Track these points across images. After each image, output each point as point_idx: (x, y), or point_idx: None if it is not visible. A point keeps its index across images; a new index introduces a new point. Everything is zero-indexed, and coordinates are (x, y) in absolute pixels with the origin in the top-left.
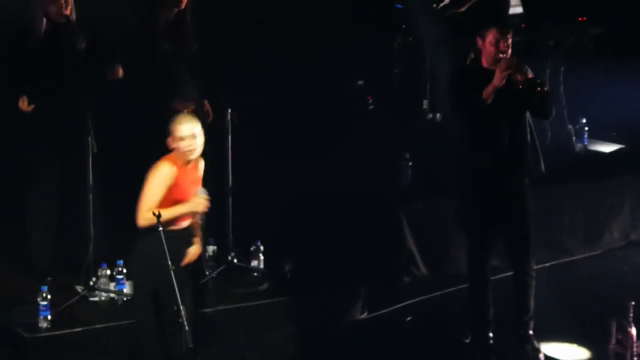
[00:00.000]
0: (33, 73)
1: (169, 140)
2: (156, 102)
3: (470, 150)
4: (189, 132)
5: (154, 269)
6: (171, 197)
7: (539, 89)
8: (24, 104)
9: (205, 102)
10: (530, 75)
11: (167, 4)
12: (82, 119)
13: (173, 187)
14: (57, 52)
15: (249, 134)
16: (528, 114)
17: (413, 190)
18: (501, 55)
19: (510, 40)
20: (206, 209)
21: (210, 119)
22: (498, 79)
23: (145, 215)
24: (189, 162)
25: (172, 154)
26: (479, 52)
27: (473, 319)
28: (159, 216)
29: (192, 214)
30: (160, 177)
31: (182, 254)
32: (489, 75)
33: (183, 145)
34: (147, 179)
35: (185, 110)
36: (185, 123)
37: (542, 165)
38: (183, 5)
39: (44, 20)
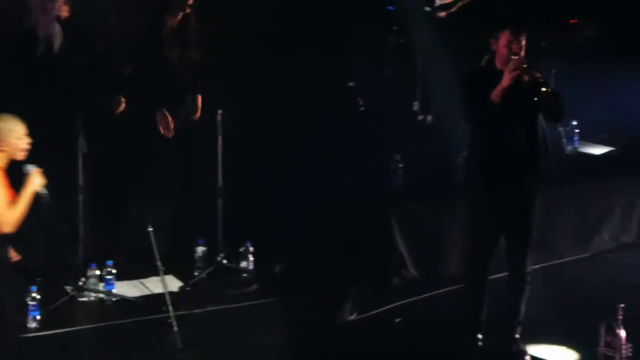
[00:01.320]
0: (25, 75)
1: (1, 143)
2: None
3: (479, 152)
4: (25, 130)
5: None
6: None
7: (544, 88)
8: None
9: (198, 96)
10: (540, 76)
11: (172, 8)
12: (72, 119)
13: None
14: (48, 53)
15: (240, 134)
16: (541, 117)
17: (404, 192)
18: (514, 57)
19: (523, 42)
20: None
21: (197, 115)
22: (506, 80)
23: (13, 220)
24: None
25: None
26: (493, 54)
27: (465, 320)
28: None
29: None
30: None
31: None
32: (501, 76)
33: (22, 143)
34: None
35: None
36: (18, 122)
37: (554, 168)
38: (188, 10)
39: (39, 23)
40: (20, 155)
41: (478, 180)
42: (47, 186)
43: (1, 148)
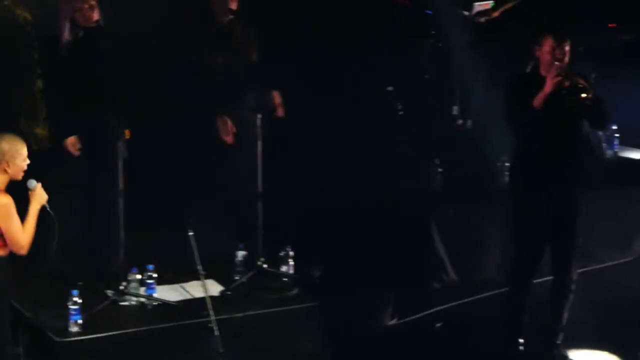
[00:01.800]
0: (65, 81)
1: (3, 165)
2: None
3: (522, 158)
4: (24, 145)
5: None
6: None
7: (584, 94)
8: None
9: (275, 93)
10: (582, 82)
11: (216, 14)
12: (113, 124)
13: None
14: (87, 58)
15: (279, 139)
16: (585, 123)
17: (443, 196)
18: (557, 64)
19: (567, 48)
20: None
21: (280, 112)
22: (548, 86)
23: (27, 244)
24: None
25: None
26: (537, 61)
27: (506, 324)
28: None
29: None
30: (11, 208)
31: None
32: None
33: (23, 165)
34: (5, 218)
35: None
36: (22, 142)
37: (597, 175)
38: (231, 16)
39: (72, 27)
40: (20, 176)
41: (521, 186)
42: (49, 201)
43: (7, 169)
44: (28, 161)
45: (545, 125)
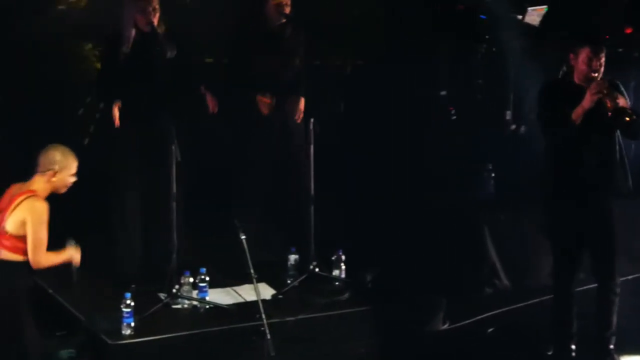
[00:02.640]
0: (121, 82)
1: (56, 167)
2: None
3: (558, 166)
4: (76, 161)
5: None
6: None
7: (627, 118)
8: (115, 112)
9: (301, 99)
10: (621, 101)
11: (268, 17)
12: (166, 127)
13: None
14: (144, 61)
15: (332, 143)
16: (618, 133)
17: (495, 201)
18: (593, 74)
19: (603, 59)
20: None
21: (300, 118)
22: (588, 102)
23: (42, 261)
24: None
25: (40, 185)
26: (571, 68)
27: (556, 332)
28: None
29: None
30: (46, 216)
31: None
32: (579, 91)
33: (69, 180)
34: (36, 223)
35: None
36: (74, 158)
37: (630, 183)
38: (284, 20)
39: (133, 30)
40: (63, 191)
41: (555, 193)
42: (78, 268)
43: (52, 179)
44: (75, 178)
45: (581, 133)
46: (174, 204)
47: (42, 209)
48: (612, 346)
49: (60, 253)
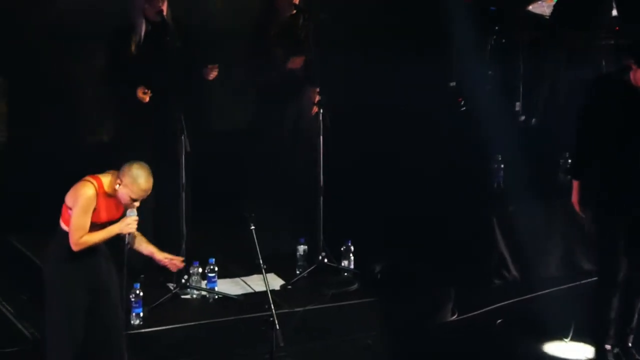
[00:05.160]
0: (133, 74)
1: (124, 181)
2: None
3: (607, 160)
4: (147, 194)
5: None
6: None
7: None
8: (142, 94)
9: (316, 90)
10: None
11: (278, 8)
12: (176, 118)
13: (93, 212)
14: (155, 51)
15: (340, 134)
16: None
17: (504, 193)
18: None
19: None
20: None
21: (314, 111)
22: None
23: (79, 242)
24: (113, 196)
25: (102, 180)
26: (629, 68)
27: (599, 324)
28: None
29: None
30: (89, 203)
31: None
32: (635, 92)
33: (130, 202)
34: (78, 207)
35: None
36: (151, 188)
37: None
38: (294, 11)
39: (143, 21)
40: (121, 202)
41: (603, 186)
42: (132, 235)
43: (117, 187)
44: (137, 204)
45: (630, 132)
46: (184, 195)
47: (87, 196)
48: (630, 343)
49: (106, 229)
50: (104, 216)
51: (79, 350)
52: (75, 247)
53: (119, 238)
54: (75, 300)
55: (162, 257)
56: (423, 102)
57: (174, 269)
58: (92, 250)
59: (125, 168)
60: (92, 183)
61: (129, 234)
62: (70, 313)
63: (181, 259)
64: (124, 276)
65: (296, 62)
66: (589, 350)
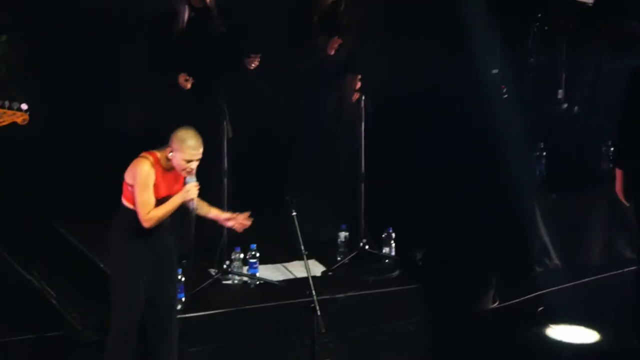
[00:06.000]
0: (175, 59)
1: (174, 147)
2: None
3: None
4: (198, 157)
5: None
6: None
7: None
8: (183, 81)
9: (357, 78)
10: None
11: None
12: (219, 103)
13: (153, 187)
14: (196, 38)
15: (382, 121)
16: None
17: (547, 180)
18: None
19: None
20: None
21: (355, 98)
22: None
23: (147, 218)
24: (171, 169)
25: (158, 155)
26: None
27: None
28: None
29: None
30: (148, 178)
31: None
32: None
33: (186, 165)
34: (138, 185)
35: None
36: (201, 147)
37: None
38: None
39: (187, 7)
40: (180, 170)
41: None
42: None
43: (169, 155)
44: (192, 166)
45: None
46: (225, 180)
47: (144, 172)
48: None
49: (170, 200)
50: (163, 191)
51: (139, 325)
52: (146, 224)
53: (184, 208)
54: (137, 274)
55: (227, 216)
56: (465, 89)
57: (240, 228)
58: (156, 226)
59: (172, 135)
60: (147, 158)
61: (193, 200)
62: (133, 288)
63: (246, 214)
64: (192, 244)
65: (332, 46)
66: (629, 339)
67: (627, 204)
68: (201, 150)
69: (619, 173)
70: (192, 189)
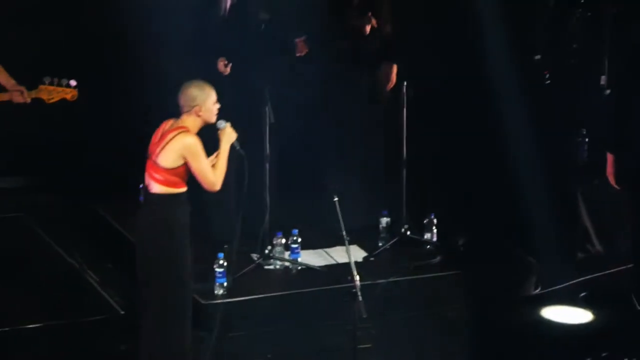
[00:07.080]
0: (217, 45)
1: (197, 101)
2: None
3: None
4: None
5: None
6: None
7: None
8: (222, 67)
9: (394, 66)
10: None
11: None
12: (260, 89)
13: None
14: (239, 23)
15: (424, 107)
16: None
17: (589, 166)
18: None
19: None
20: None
21: (390, 86)
22: None
23: (215, 180)
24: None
25: (190, 122)
26: None
27: None
28: None
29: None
30: (198, 146)
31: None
32: None
33: (216, 107)
34: (194, 157)
35: None
36: (211, 87)
37: None
38: None
39: None
40: (214, 119)
41: None
42: (238, 139)
43: (199, 113)
44: (218, 105)
45: None
46: (267, 165)
47: (193, 143)
48: None
49: (220, 153)
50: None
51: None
52: (217, 186)
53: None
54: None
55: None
56: (507, 75)
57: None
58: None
59: (185, 99)
60: (185, 131)
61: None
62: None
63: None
64: (237, 229)
65: (365, 29)
66: None
67: (618, 188)
68: None
69: (610, 157)
70: (230, 130)
